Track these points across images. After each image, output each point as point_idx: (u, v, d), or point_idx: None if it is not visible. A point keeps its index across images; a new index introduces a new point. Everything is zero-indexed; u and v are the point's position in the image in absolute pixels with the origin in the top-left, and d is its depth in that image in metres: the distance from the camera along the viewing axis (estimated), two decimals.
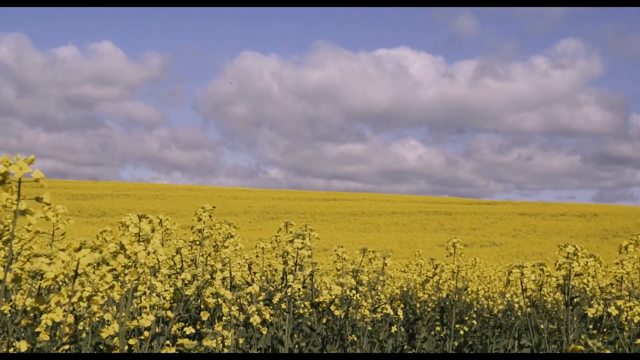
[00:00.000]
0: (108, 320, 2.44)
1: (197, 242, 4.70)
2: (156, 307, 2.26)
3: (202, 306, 3.27)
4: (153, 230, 2.60)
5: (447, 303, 6.76)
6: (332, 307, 5.03)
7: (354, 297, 4.45)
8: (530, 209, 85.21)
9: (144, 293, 2.98)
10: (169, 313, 2.25)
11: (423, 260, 9.69)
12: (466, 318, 8.66)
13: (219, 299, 3.09)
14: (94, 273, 2.02)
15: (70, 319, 2.00)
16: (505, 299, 10.23)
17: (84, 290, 1.99)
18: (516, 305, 10.22)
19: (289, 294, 4.34)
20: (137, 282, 2.22)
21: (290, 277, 4.27)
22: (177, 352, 2.51)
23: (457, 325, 6.80)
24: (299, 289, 4.32)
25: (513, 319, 9.73)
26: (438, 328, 7.90)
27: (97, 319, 2.95)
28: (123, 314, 2.14)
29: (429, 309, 6.77)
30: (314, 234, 4.33)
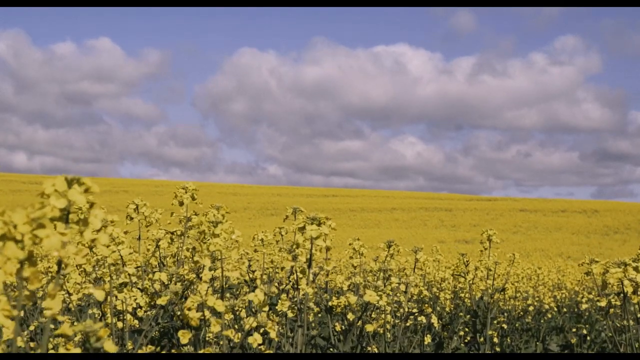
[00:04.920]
0: None
1: (178, 233, 3.67)
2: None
3: (179, 322, 2.28)
4: (92, 205, 1.57)
5: (480, 306, 5.77)
6: (350, 315, 4.04)
7: (382, 304, 3.42)
8: (531, 205, 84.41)
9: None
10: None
11: (442, 256, 8.75)
12: (495, 322, 7.70)
13: (206, 311, 2.09)
14: None
15: None
16: (535, 299, 9.30)
17: None
18: (546, 306, 9.30)
19: (300, 297, 3.29)
20: (41, 290, 1.18)
21: (301, 277, 3.22)
22: None
23: (490, 332, 5.84)
24: (312, 292, 3.27)
25: (542, 321, 8.81)
26: (462, 333, 6.97)
27: None
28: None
29: (461, 313, 5.78)
30: (331, 222, 3.25)
